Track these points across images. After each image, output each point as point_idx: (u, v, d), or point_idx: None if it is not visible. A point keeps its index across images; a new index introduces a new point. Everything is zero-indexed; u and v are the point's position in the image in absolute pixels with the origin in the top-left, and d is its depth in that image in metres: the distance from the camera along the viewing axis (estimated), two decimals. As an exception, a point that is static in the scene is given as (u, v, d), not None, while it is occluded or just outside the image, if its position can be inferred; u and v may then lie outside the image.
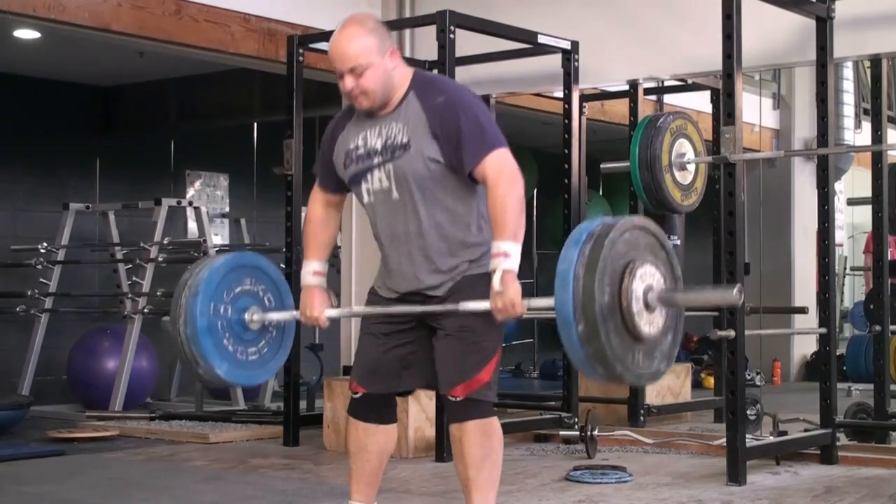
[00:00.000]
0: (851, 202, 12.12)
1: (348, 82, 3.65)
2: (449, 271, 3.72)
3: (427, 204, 3.70)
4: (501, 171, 3.60)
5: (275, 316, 4.02)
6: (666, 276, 3.39)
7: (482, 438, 3.70)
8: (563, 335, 3.24)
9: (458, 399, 3.70)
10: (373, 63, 3.62)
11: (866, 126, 8.07)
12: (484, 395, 3.71)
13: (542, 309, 3.49)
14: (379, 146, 3.72)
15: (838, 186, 11.30)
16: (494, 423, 3.76)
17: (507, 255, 3.51)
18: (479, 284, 3.65)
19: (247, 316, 3.96)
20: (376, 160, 3.72)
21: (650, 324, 3.31)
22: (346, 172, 3.82)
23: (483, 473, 3.71)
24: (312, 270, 3.93)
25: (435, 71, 6.78)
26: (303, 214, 7.46)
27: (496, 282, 3.50)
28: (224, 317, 3.91)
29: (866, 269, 11.21)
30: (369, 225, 3.85)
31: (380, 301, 3.88)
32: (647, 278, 3.31)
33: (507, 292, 3.49)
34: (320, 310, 3.90)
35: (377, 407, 3.90)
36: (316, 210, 3.97)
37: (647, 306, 3.29)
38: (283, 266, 7.01)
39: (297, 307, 3.98)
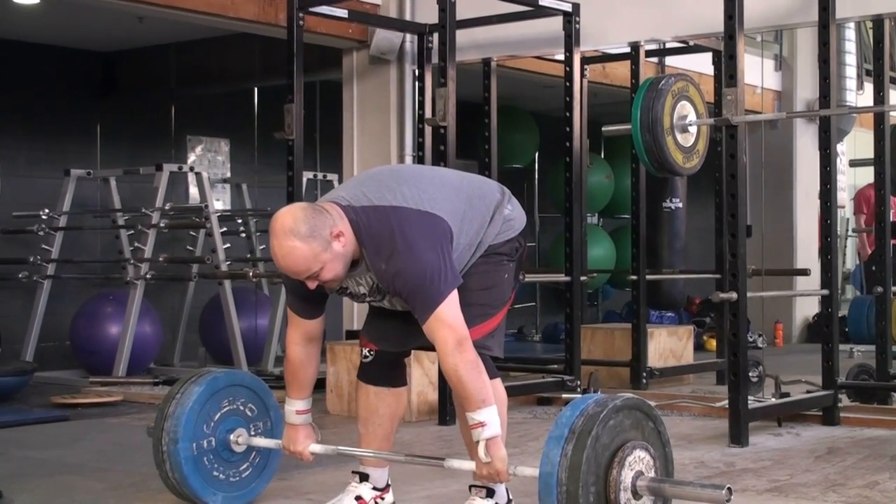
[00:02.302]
0: (854, 164, 12.09)
1: (310, 284, 3.51)
2: None
3: None
4: (445, 341, 3.45)
5: (260, 442, 4.12)
6: (655, 454, 3.36)
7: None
8: None
9: None
10: (324, 262, 3.45)
11: (868, 87, 8.04)
12: (482, 344, 3.65)
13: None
14: (366, 291, 3.68)
15: (840, 148, 11.26)
16: (497, 385, 3.76)
17: (484, 423, 3.45)
18: (480, 264, 3.70)
19: (232, 438, 4.07)
20: (370, 299, 3.72)
21: None
22: (339, 296, 3.78)
23: None
24: (296, 410, 3.90)
25: (435, 35, 6.76)
26: (304, 179, 7.50)
27: (481, 452, 3.45)
28: (209, 450, 4.03)
29: (858, 231, 11.22)
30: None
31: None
32: (636, 464, 3.28)
33: (494, 463, 3.46)
34: (304, 444, 3.92)
35: (387, 369, 3.91)
36: (295, 352, 3.82)
37: (636, 494, 3.27)
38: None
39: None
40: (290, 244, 3.41)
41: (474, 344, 3.56)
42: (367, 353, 3.92)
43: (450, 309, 3.47)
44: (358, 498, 3.93)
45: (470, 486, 3.78)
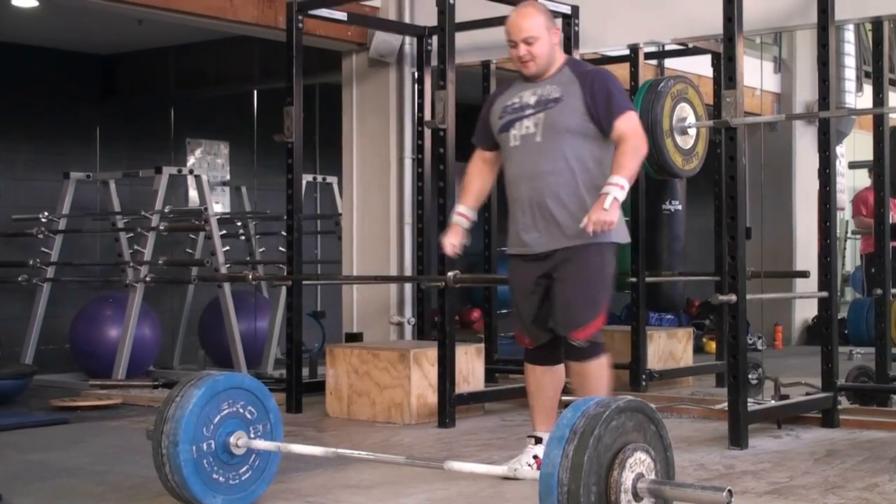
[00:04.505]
0: (853, 165, 12.09)
1: (521, 49, 4.55)
2: (575, 214, 4.44)
3: (566, 149, 4.48)
4: (636, 129, 4.49)
5: (260, 445, 4.15)
6: (656, 457, 3.37)
7: (601, 371, 4.62)
8: None
9: (580, 343, 4.54)
10: (541, 36, 4.53)
11: (868, 89, 8.04)
12: (599, 336, 4.58)
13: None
14: (532, 101, 4.59)
15: (840, 150, 11.26)
16: (607, 359, 4.65)
17: (622, 187, 4.34)
18: (591, 256, 4.48)
19: (232, 440, 4.09)
20: (528, 112, 4.58)
21: None
22: (500, 122, 4.65)
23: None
24: (458, 211, 4.78)
25: (434, 38, 6.78)
26: (304, 182, 7.51)
27: (606, 201, 4.29)
28: (209, 453, 4.04)
29: (863, 232, 11.19)
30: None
31: (518, 260, 4.65)
32: (637, 466, 3.29)
33: (612, 212, 4.29)
34: (448, 239, 4.72)
35: (547, 352, 4.72)
36: (475, 164, 4.83)
37: (636, 496, 3.27)
38: (285, 234, 7.02)
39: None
40: (529, 10, 4.60)
41: (599, 332, 4.55)
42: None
43: (637, 118, 4.56)
44: (535, 457, 4.60)
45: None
